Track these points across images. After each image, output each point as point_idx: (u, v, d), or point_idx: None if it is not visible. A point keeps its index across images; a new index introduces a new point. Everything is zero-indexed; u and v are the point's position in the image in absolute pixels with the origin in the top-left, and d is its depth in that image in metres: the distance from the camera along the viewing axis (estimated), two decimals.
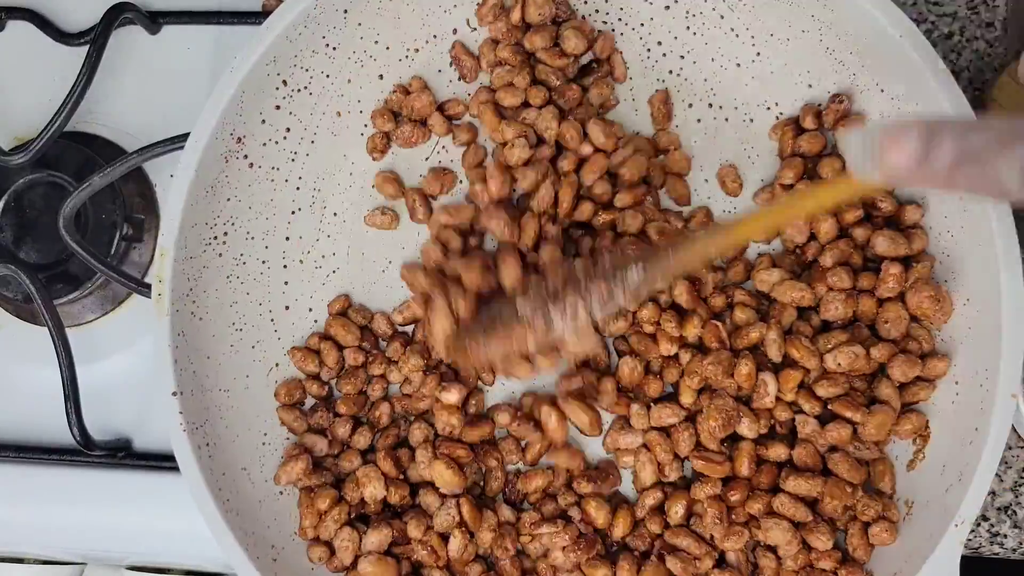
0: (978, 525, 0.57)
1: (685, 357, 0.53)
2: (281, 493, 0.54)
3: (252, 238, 0.55)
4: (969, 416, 0.49)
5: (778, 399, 0.52)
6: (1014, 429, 0.57)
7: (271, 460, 0.54)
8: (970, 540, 0.57)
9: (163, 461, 0.59)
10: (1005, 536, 0.57)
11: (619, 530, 0.53)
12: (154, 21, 0.63)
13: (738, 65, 0.55)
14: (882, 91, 0.52)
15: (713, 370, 0.51)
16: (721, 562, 0.52)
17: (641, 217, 0.53)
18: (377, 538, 0.52)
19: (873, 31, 0.50)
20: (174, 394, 0.50)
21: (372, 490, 0.53)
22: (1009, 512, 0.57)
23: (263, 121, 0.54)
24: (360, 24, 0.54)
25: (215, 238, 0.53)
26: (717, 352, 0.52)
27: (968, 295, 0.50)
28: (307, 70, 0.54)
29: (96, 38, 0.60)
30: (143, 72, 0.63)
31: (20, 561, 0.63)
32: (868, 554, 0.51)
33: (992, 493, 0.57)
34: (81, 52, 0.61)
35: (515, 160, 0.54)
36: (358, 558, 0.53)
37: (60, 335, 0.58)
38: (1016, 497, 0.57)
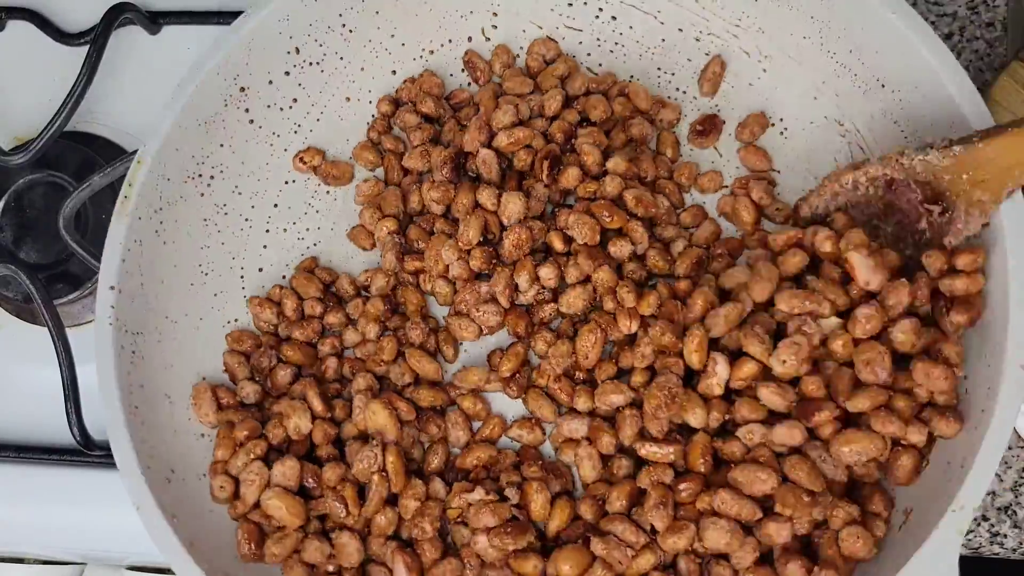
0: (978, 525, 0.57)
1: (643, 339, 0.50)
2: (202, 435, 0.53)
3: (240, 193, 0.56)
4: (977, 400, 0.46)
5: (736, 393, 0.49)
6: (1014, 429, 0.57)
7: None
8: (970, 540, 0.57)
9: None
10: (1005, 536, 0.57)
11: (555, 523, 0.49)
12: (154, 21, 0.63)
13: (750, 85, 0.56)
14: (883, 86, 0.52)
15: (659, 335, 0.48)
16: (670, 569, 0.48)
17: (620, 180, 0.51)
18: (283, 470, 0.49)
19: (867, 18, 0.50)
20: (111, 288, 0.50)
21: (296, 421, 0.51)
22: (1009, 512, 0.57)
23: (270, 82, 0.54)
24: (378, 12, 0.55)
25: (200, 176, 0.54)
26: (667, 323, 0.49)
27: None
28: (321, 45, 0.55)
29: (96, 38, 0.60)
30: (143, 72, 0.64)
31: (20, 561, 0.63)
32: (843, 567, 0.46)
33: (992, 493, 0.57)
34: (81, 52, 0.61)
35: (497, 122, 0.53)
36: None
37: (60, 335, 0.58)
38: (1016, 497, 0.57)
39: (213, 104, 0.53)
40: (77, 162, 0.62)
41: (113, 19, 0.60)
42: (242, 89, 0.53)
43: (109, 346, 0.50)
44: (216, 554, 0.49)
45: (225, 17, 0.63)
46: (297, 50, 0.54)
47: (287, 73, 0.55)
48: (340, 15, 0.54)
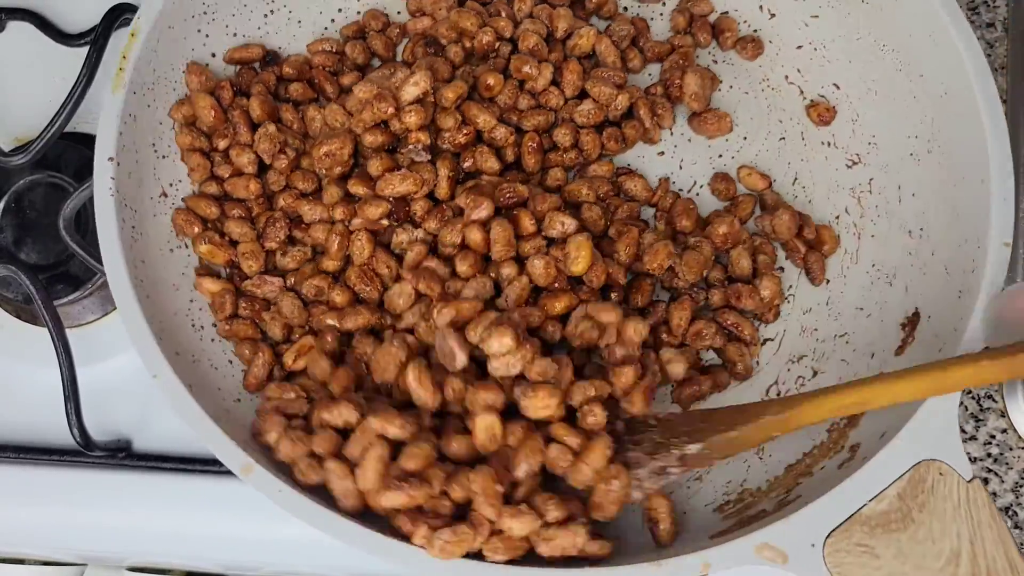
0: None
1: None
2: (212, 326, 0.53)
3: None
4: (958, 276, 0.49)
5: None
6: (1014, 429, 0.57)
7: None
8: None
9: (163, 462, 0.59)
10: None
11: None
12: None
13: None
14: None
15: None
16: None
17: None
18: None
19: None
20: (110, 159, 0.49)
21: None
22: (1009, 512, 0.57)
23: None
24: None
25: (192, 51, 0.54)
26: None
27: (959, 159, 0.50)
28: None
29: (96, 38, 0.60)
30: None
31: (20, 561, 0.63)
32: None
33: (993, 494, 0.57)
34: (81, 52, 0.61)
35: None
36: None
37: (60, 336, 0.58)
38: (1016, 497, 0.57)
39: None
40: (77, 162, 0.62)
41: (113, 19, 0.60)
42: None
43: (112, 217, 0.49)
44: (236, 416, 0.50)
45: None
46: None
47: None
48: None
